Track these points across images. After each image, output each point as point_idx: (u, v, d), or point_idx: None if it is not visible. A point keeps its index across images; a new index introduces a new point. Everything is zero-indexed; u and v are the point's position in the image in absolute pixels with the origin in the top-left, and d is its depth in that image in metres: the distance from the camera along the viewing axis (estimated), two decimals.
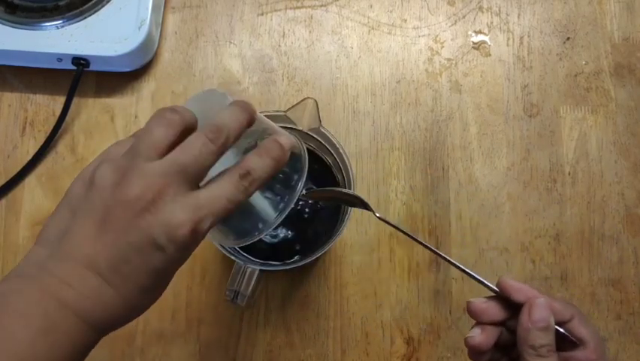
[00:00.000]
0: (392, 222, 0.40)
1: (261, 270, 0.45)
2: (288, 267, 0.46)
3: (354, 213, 0.56)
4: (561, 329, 0.35)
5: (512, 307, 0.36)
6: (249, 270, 0.45)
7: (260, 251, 0.48)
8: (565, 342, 0.35)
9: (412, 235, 0.40)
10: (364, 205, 0.42)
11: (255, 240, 0.36)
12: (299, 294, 0.54)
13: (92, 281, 0.29)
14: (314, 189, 0.41)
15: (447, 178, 0.57)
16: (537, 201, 0.57)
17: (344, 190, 0.45)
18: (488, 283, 0.37)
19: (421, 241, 0.39)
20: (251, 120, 0.34)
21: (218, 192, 0.31)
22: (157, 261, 0.30)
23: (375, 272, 0.55)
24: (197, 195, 0.31)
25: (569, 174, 0.58)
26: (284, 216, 0.36)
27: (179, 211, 0.30)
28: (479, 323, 0.37)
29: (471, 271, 0.37)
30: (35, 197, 0.56)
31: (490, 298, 0.37)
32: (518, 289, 0.36)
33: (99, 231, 0.30)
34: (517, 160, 0.58)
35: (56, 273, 0.29)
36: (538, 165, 0.58)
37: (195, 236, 0.30)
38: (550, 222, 0.56)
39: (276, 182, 0.37)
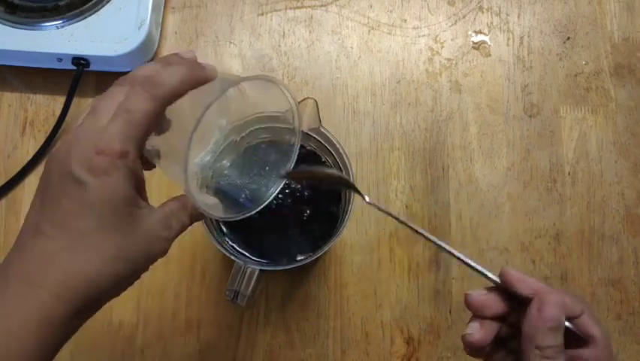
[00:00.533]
0: (383, 208, 0.37)
1: (261, 270, 0.45)
2: (288, 267, 0.46)
3: (354, 213, 0.56)
4: (570, 325, 0.33)
5: (514, 300, 0.34)
6: (249, 270, 0.45)
7: (260, 251, 0.48)
8: (572, 339, 0.33)
9: (402, 219, 0.36)
10: (350, 186, 0.37)
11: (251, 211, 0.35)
12: (299, 294, 0.54)
13: (36, 243, 0.29)
14: (292, 170, 0.37)
15: (447, 178, 0.57)
16: (537, 201, 0.57)
17: (327, 170, 0.41)
18: (489, 274, 0.34)
19: (415, 227, 0.36)
20: (193, 80, 0.32)
21: (119, 109, 0.30)
22: (82, 195, 0.29)
23: (375, 272, 0.55)
24: (105, 123, 0.30)
25: (569, 174, 0.58)
26: (280, 186, 0.35)
27: (85, 137, 0.30)
28: (477, 316, 0.34)
29: (470, 259, 0.35)
30: None
31: (489, 289, 0.35)
32: (522, 281, 0.33)
33: (41, 197, 0.30)
34: (517, 160, 0.58)
35: (10, 254, 0.30)
36: (538, 165, 0.58)
37: (107, 158, 0.29)
38: (550, 222, 0.56)
39: (271, 153, 0.36)
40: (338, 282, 0.55)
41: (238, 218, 0.35)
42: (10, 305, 0.28)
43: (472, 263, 0.34)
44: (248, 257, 0.48)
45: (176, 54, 0.33)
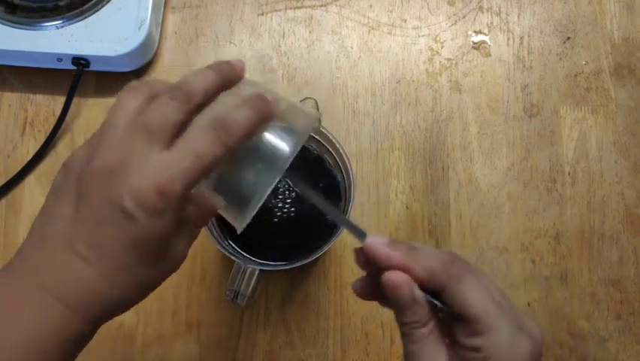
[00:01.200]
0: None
1: (261, 270, 0.45)
2: (288, 267, 0.46)
3: (354, 214, 0.56)
4: (433, 300, 0.30)
5: None
6: (249, 270, 0.45)
7: (260, 251, 0.48)
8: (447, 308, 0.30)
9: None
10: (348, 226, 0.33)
11: (259, 202, 0.33)
12: (299, 294, 0.54)
13: (71, 263, 0.28)
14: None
15: (447, 178, 0.57)
16: (537, 201, 0.57)
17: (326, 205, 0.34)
18: (359, 230, 0.32)
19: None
20: (221, 78, 0.31)
21: (186, 147, 0.29)
22: (129, 231, 0.28)
23: None
24: (164, 155, 0.28)
25: (569, 174, 0.58)
26: (283, 170, 0.32)
27: (144, 174, 0.28)
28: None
29: (343, 216, 0.33)
30: (35, 197, 0.56)
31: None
32: (379, 257, 0.30)
33: (75, 209, 0.29)
34: (517, 160, 0.58)
35: (37, 261, 0.29)
36: (538, 165, 0.58)
37: (165, 199, 0.28)
38: (550, 222, 0.56)
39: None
40: (338, 282, 0.55)
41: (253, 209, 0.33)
42: (35, 318, 0.27)
43: (348, 220, 0.33)
44: (248, 257, 0.48)
45: (243, 78, 0.32)
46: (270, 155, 0.32)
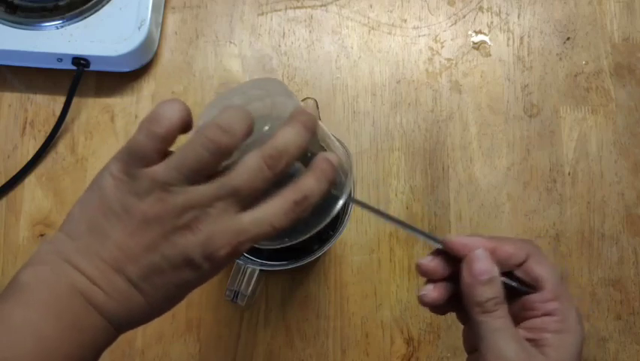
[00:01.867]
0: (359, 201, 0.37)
1: (261, 270, 0.45)
2: (288, 267, 0.46)
3: (354, 213, 0.56)
4: (507, 280, 0.33)
5: (458, 259, 0.34)
6: (249, 270, 0.45)
7: (260, 251, 0.48)
8: (522, 286, 0.33)
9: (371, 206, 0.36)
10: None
11: (280, 246, 0.35)
12: (299, 294, 0.54)
13: (120, 285, 0.29)
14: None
15: (447, 178, 0.57)
16: (537, 201, 0.57)
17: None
18: (434, 237, 0.35)
19: (383, 211, 0.36)
20: (312, 138, 0.32)
21: (264, 217, 0.30)
22: (189, 276, 0.30)
23: (375, 272, 0.55)
24: (242, 219, 0.30)
25: (569, 174, 0.58)
26: (320, 227, 0.34)
27: (221, 234, 0.29)
28: (430, 281, 0.35)
29: (414, 226, 0.35)
30: (35, 197, 0.56)
31: (436, 253, 0.35)
32: (464, 246, 0.33)
33: (134, 237, 0.29)
34: (517, 160, 0.58)
35: (84, 270, 0.29)
36: (538, 165, 0.58)
37: (233, 258, 0.30)
38: (550, 222, 0.56)
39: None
40: (338, 282, 0.55)
41: (275, 247, 0.35)
42: (80, 328, 0.29)
43: (419, 229, 0.35)
44: (248, 257, 0.48)
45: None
46: (318, 214, 0.34)
